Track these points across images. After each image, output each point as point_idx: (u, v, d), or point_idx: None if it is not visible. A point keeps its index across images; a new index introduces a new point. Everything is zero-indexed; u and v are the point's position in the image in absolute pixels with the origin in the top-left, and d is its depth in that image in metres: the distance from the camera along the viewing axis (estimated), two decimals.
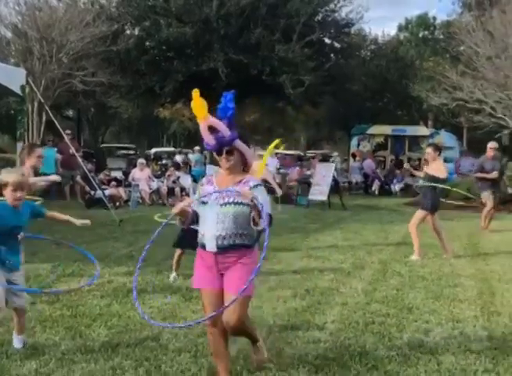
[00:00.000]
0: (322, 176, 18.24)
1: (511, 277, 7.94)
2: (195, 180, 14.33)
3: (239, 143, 4.07)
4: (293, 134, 47.15)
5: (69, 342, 4.99)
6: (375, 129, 28.72)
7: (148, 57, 23.68)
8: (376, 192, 23.97)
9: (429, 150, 9.42)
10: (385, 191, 23.94)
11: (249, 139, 4.58)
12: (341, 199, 17.73)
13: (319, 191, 17.92)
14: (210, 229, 4.00)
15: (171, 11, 23.33)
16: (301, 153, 34.98)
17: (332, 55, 27.00)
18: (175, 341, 5.02)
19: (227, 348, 4.22)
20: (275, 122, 35.02)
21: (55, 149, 17.19)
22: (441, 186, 9.32)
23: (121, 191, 17.08)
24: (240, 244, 3.99)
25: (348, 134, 31.64)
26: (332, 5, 25.53)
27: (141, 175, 17.61)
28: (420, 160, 25.16)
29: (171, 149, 35.57)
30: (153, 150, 31.55)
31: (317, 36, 24.02)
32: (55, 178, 7.73)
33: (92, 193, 16.19)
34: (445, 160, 23.00)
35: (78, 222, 4.99)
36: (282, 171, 23.56)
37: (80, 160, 15.05)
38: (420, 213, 9.37)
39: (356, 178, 25.26)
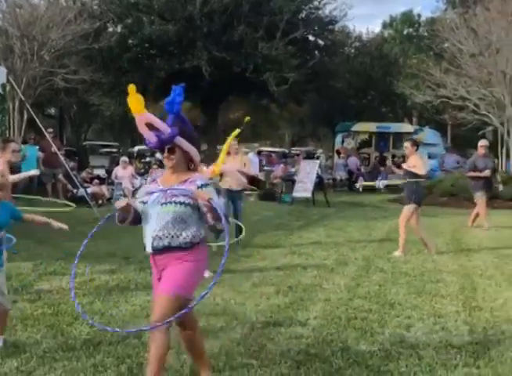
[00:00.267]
0: (307, 173, 18.24)
1: (493, 273, 8.01)
2: None
3: (180, 141, 3.85)
4: (278, 131, 47.10)
5: (50, 340, 4.96)
6: (359, 126, 28.80)
7: (130, 55, 23.48)
8: (361, 189, 23.98)
9: (407, 144, 9.51)
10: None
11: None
12: (326, 196, 17.77)
13: (303, 188, 17.93)
14: (149, 229, 3.86)
15: (154, 8, 23.17)
16: (286, 151, 35.01)
17: (316, 52, 26.92)
18: None
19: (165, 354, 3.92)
20: (259, 120, 34.92)
21: (37, 147, 17.05)
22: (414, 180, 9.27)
23: (104, 189, 17.02)
24: (176, 246, 3.80)
25: (333, 131, 31.68)
26: (316, 3, 25.46)
27: (124, 173, 17.51)
28: (404, 157, 25.21)
29: None
30: (136, 148, 31.30)
31: (301, 33, 23.95)
32: (33, 172, 7.81)
33: (75, 191, 16.10)
34: (430, 157, 23.24)
35: (57, 225, 4.94)
36: (266, 168, 23.58)
37: (62, 158, 14.97)
38: (407, 209, 9.40)
39: (341, 175, 25.29)
